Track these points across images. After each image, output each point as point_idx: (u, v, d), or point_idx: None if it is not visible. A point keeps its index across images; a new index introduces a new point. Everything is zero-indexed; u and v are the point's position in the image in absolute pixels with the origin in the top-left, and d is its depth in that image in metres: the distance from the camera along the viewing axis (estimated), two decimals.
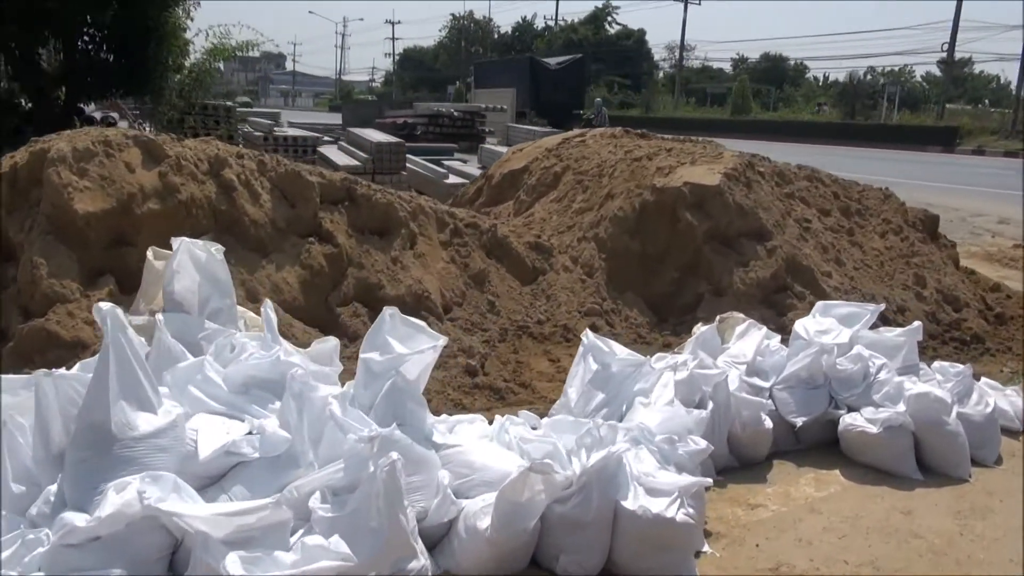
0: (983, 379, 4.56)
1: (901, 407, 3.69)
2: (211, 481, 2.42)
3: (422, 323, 3.11)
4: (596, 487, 2.76)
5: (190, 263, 3.27)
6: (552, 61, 28.92)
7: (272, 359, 2.83)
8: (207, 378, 2.68)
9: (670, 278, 5.81)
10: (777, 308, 5.52)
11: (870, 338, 4.11)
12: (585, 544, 2.74)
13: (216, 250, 3.40)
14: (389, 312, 3.07)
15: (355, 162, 11.19)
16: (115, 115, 13.77)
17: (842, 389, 3.89)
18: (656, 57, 75.80)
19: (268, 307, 3.04)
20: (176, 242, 3.29)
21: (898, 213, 6.99)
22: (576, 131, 7.92)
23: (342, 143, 13.67)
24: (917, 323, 4.22)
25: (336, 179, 5.19)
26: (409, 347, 2.98)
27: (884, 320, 5.68)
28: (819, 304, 4.43)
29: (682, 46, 58.72)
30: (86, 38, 10.70)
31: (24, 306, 3.97)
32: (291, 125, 22.36)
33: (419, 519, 2.67)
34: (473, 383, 4.48)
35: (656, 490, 2.82)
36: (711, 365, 3.76)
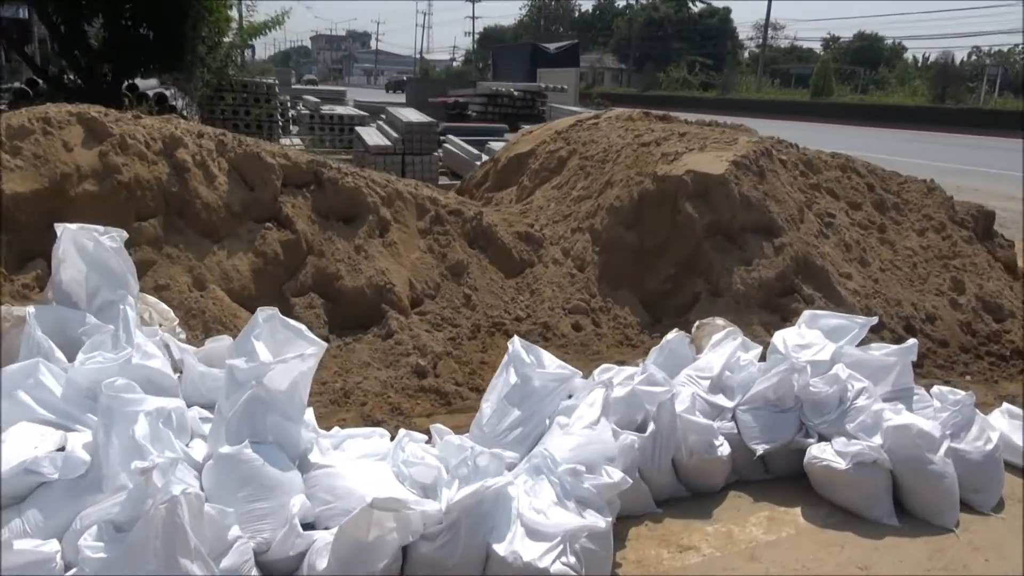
0: (1005, 405, 3.96)
1: (877, 440, 3.17)
2: (13, 501, 2.18)
3: (302, 327, 2.79)
4: (465, 526, 2.40)
5: (75, 252, 3.04)
6: (551, 46, 31.77)
7: (122, 361, 2.57)
8: (39, 382, 2.44)
9: (666, 275, 5.33)
10: (781, 312, 4.98)
11: (855, 356, 3.57)
12: None
13: (111, 238, 3.15)
14: (264, 315, 2.76)
15: (386, 142, 10.96)
16: (171, 91, 13.80)
17: (813, 415, 3.39)
18: (742, 36, 73.28)
19: (127, 303, 2.77)
20: (59, 228, 3.06)
21: (942, 208, 6.27)
22: (591, 112, 7.44)
23: (380, 123, 13.47)
24: (912, 341, 3.65)
25: (302, 161, 4.92)
26: (282, 353, 2.67)
27: (909, 330, 5.07)
28: (806, 313, 3.91)
29: (767, 24, 56.34)
30: (127, 13, 10.73)
31: None
32: (356, 104, 22.38)
33: (260, 551, 2.37)
34: (419, 385, 4.15)
35: (539, 532, 2.44)
36: (660, 381, 3.32)
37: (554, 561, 2.36)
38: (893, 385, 3.54)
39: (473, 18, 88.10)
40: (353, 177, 5.05)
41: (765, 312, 4.99)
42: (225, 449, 2.45)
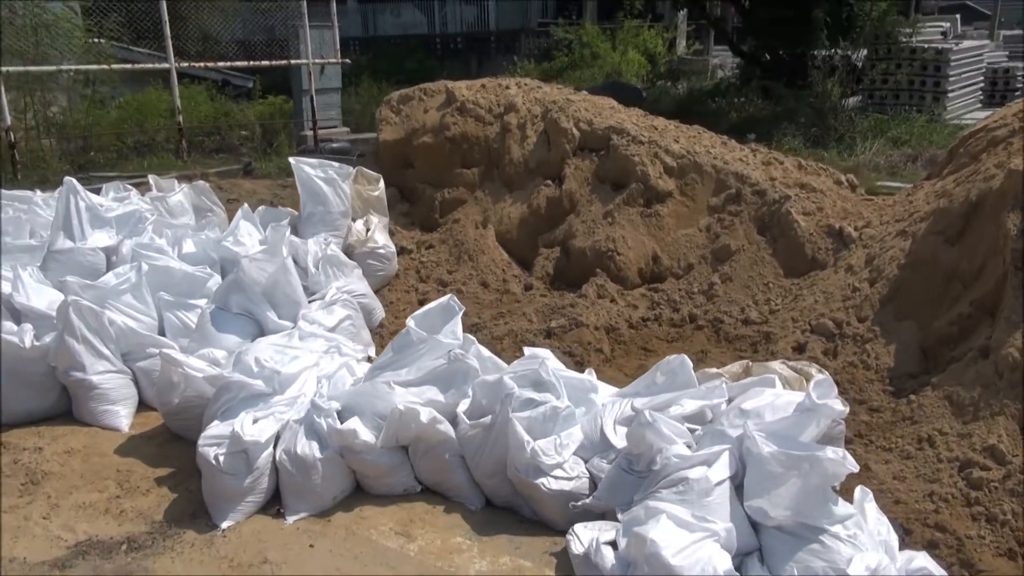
0: None
1: (624, 543, 2.20)
2: None
3: (280, 245, 3.74)
4: (210, 400, 3.13)
5: (296, 179, 4.64)
6: None
7: (215, 241, 4.09)
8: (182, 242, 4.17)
9: (958, 314, 3.65)
10: None
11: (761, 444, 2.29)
12: None
13: (323, 169, 4.63)
14: (278, 231, 3.84)
15: None
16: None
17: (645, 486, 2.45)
18: None
19: (241, 210, 4.21)
20: (291, 160, 4.67)
21: None
22: None
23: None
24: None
25: (600, 128, 5.26)
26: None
27: None
28: (818, 379, 2.56)
29: None
30: None
31: None
32: None
33: None
34: (540, 343, 4.30)
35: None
36: (540, 382, 2.98)
37: (211, 449, 2.88)
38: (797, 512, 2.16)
39: None
40: (647, 146, 5.09)
41: None
42: (202, 304, 3.76)
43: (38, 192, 5.40)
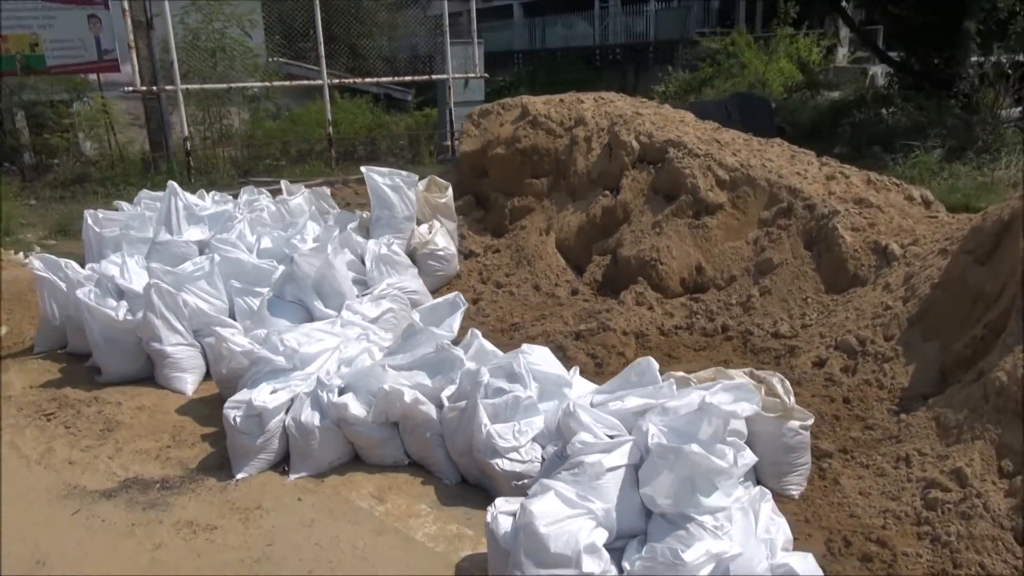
0: None
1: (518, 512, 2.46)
2: None
3: (328, 245, 4.25)
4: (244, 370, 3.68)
5: (367, 185, 5.18)
6: None
7: (286, 238, 4.69)
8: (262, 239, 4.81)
9: (973, 336, 3.52)
10: None
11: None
12: None
13: (390, 177, 5.14)
14: (335, 232, 4.35)
15: None
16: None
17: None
18: None
19: (308, 213, 4.77)
20: (363, 169, 5.21)
21: None
22: None
23: None
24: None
25: (658, 141, 5.40)
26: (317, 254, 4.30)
27: None
28: (725, 383, 2.67)
29: None
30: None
31: None
32: None
33: None
34: (569, 344, 4.53)
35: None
36: (513, 375, 3.28)
37: (233, 411, 3.41)
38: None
39: None
40: (702, 159, 5.17)
41: None
42: (264, 291, 4.36)
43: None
